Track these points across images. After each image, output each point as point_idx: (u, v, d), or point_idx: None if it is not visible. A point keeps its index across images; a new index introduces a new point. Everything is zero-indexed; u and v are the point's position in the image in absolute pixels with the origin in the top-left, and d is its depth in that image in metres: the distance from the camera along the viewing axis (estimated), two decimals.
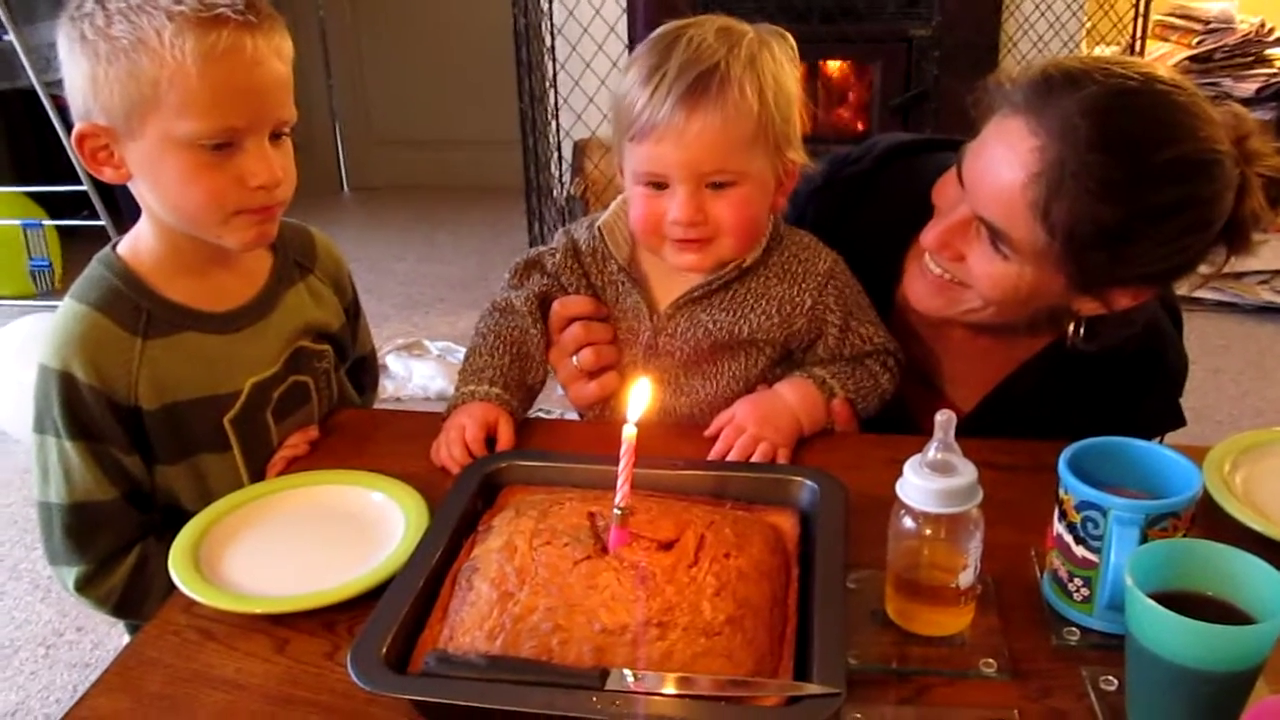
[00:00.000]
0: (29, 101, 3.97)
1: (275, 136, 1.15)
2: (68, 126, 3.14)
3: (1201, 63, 3.80)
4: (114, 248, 1.23)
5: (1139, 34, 3.43)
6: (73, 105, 1.13)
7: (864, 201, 1.45)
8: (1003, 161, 1.16)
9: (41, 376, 1.16)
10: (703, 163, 1.19)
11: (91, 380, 1.14)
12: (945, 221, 1.24)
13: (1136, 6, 3.42)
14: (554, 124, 3.88)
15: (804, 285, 1.30)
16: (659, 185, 1.21)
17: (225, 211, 1.14)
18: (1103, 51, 3.72)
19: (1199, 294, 3.37)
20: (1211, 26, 3.85)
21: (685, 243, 1.24)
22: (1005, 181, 1.15)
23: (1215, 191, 1.12)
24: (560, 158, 3.97)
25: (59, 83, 3.39)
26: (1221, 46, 3.83)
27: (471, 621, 0.89)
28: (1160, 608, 0.78)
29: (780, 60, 1.21)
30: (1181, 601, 0.80)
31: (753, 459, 1.21)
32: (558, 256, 1.35)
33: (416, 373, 3.13)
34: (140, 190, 1.17)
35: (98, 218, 3.36)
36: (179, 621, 1.01)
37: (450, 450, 1.20)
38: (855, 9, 3.51)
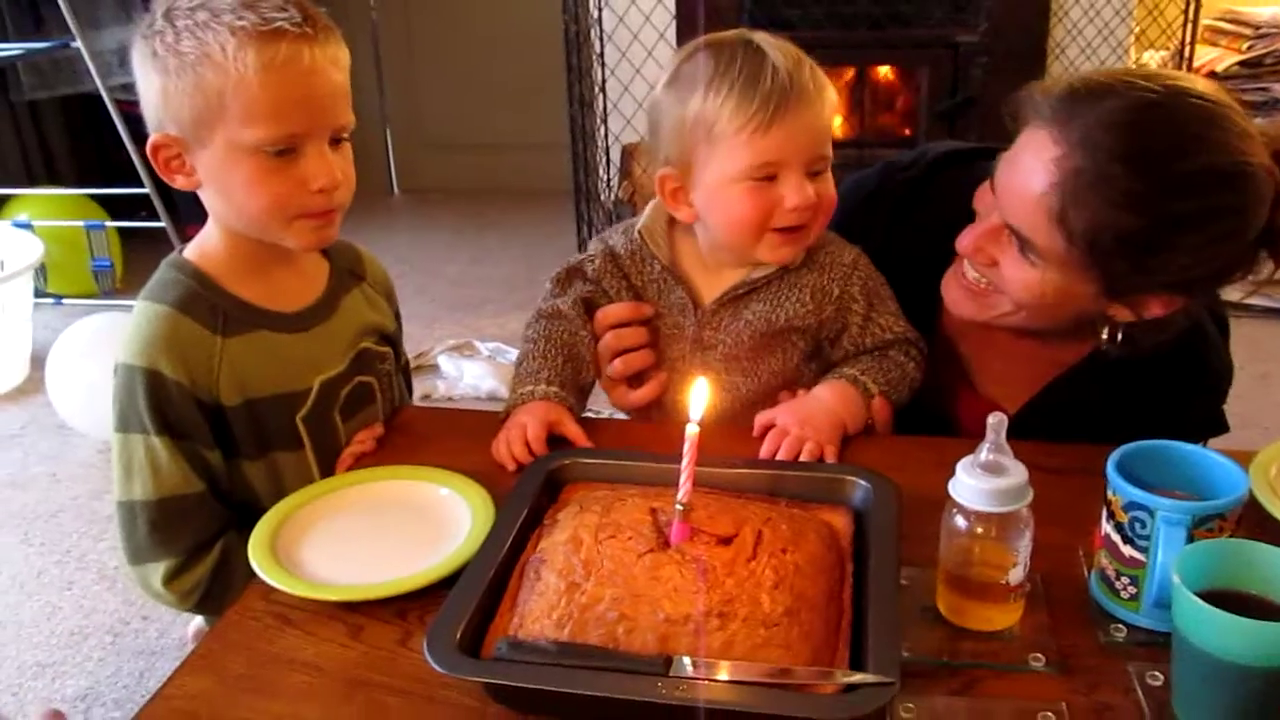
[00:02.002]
0: (90, 106, 4.08)
1: (334, 142, 1.21)
2: (131, 130, 3.25)
3: (1251, 68, 3.78)
4: (180, 253, 1.28)
5: (1188, 39, 3.41)
6: (147, 117, 1.19)
7: (915, 207, 1.49)
8: (1028, 170, 1.20)
9: (126, 375, 1.20)
10: (816, 146, 1.29)
11: (178, 376, 1.19)
12: (979, 228, 1.29)
13: (1185, 12, 3.40)
14: (603, 129, 3.93)
15: (832, 275, 1.37)
16: (768, 178, 1.28)
17: (288, 214, 1.20)
18: (1151, 57, 3.71)
19: (1248, 300, 3.39)
20: (1262, 31, 3.82)
21: (789, 232, 1.31)
22: (1027, 190, 1.19)
23: (1245, 203, 1.14)
24: (608, 162, 4.01)
25: (122, 87, 3.50)
26: (1273, 52, 3.80)
27: (540, 610, 0.94)
28: (1206, 605, 0.81)
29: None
30: (1226, 600, 0.82)
31: (801, 458, 1.24)
32: (597, 262, 1.41)
33: (467, 373, 3.18)
34: (209, 196, 1.23)
35: (156, 219, 3.44)
36: (258, 608, 1.06)
37: (512, 448, 1.25)
38: (902, 15, 3.52)
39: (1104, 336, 1.32)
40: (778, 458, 1.25)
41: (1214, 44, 3.96)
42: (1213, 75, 3.81)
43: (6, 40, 3.78)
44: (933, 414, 1.44)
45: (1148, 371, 1.34)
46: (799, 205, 1.28)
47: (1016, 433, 1.10)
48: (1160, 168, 1.14)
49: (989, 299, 1.32)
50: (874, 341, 1.38)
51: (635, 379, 1.42)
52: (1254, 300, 3.42)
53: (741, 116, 1.25)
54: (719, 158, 1.28)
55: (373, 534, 1.15)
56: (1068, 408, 1.39)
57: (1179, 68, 3.46)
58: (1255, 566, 0.87)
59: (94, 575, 2.42)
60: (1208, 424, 1.42)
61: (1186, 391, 1.39)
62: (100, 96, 3.41)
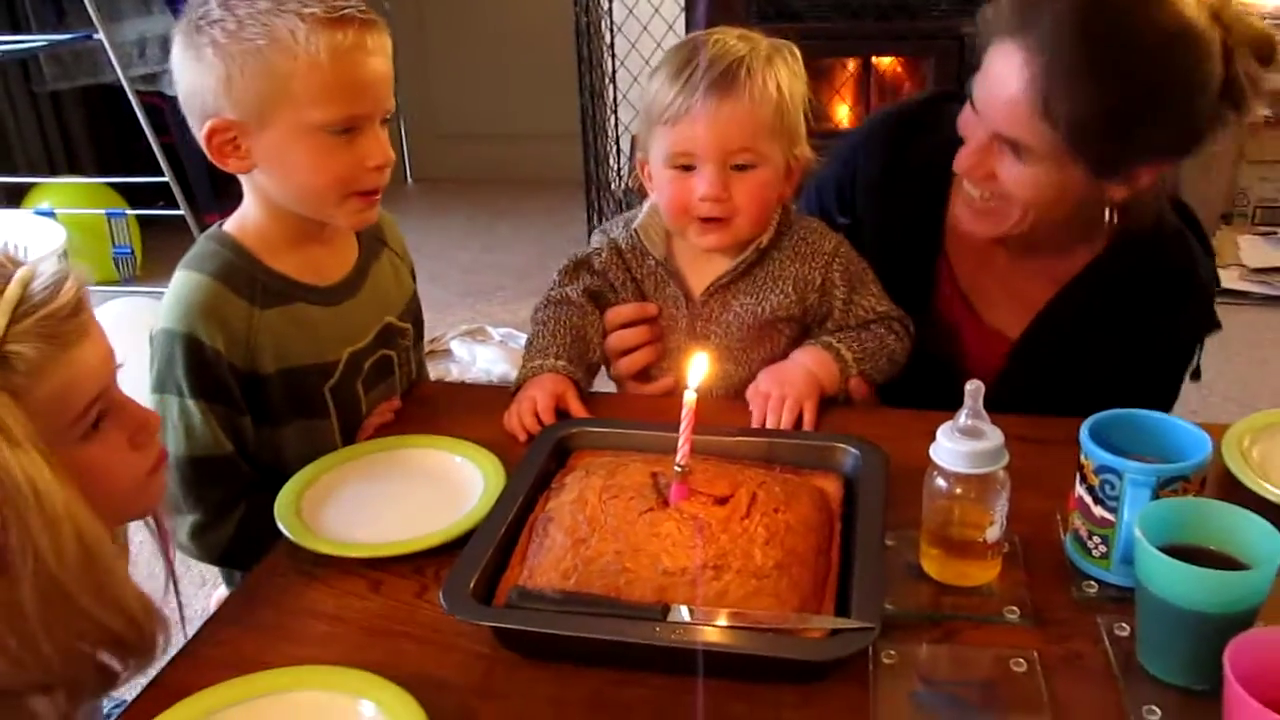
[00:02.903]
0: (110, 96, 4.16)
1: (380, 124, 1.28)
2: (151, 120, 3.32)
3: None
4: (219, 227, 1.34)
5: None
6: (193, 106, 1.25)
7: (912, 139, 1.58)
8: (1002, 79, 1.30)
9: (166, 340, 1.26)
10: (730, 141, 1.34)
11: (215, 344, 1.25)
12: (970, 146, 1.38)
13: None
14: (613, 119, 3.98)
15: (813, 264, 1.43)
16: (687, 167, 1.36)
17: (345, 191, 1.28)
18: None
19: (1247, 288, 3.45)
20: (1270, 23, 3.86)
21: (709, 222, 1.38)
22: (1006, 95, 1.29)
23: (1198, 58, 1.25)
24: (619, 151, 4.07)
25: (142, 78, 3.57)
26: None
27: (548, 563, 1.00)
28: (1166, 557, 0.87)
29: (791, 66, 1.38)
30: (1186, 554, 0.89)
31: (783, 414, 1.32)
32: (603, 255, 1.49)
33: (480, 357, 3.25)
34: (261, 177, 1.29)
35: (173, 208, 3.51)
36: (284, 565, 1.13)
37: (523, 419, 1.32)
38: (909, 6, 3.56)
39: (1106, 220, 1.43)
40: (763, 418, 1.32)
41: None
42: None
43: (30, 32, 3.85)
44: (940, 352, 1.54)
45: (1142, 280, 1.45)
46: (705, 196, 1.35)
47: (1024, 355, 1.35)
48: (1120, 41, 1.25)
49: (997, 213, 1.40)
50: (857, 321, 1.44)
51: (644, 374, 1.50)
52: (1252, 288, 3.48)
53: (659, 105, 1.35)
54: (654, 144, 1.38)
55: (391, 497, 1.22)
56: (1069, 324, 1.48)
57: None
58: (1213, 523, 0.93)
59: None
60: (1202, 323, 1.51)
61: (1180, 294, 1.47)
62: (118, 87, 3.48)
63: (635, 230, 1.47)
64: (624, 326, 1.48)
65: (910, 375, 1.47)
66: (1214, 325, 1.51)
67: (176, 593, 1.18)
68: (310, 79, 1.20)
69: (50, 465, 0.86)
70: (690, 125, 1.33)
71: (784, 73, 1.36)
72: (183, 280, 1.28)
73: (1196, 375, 1.53)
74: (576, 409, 1.34)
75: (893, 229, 1.56)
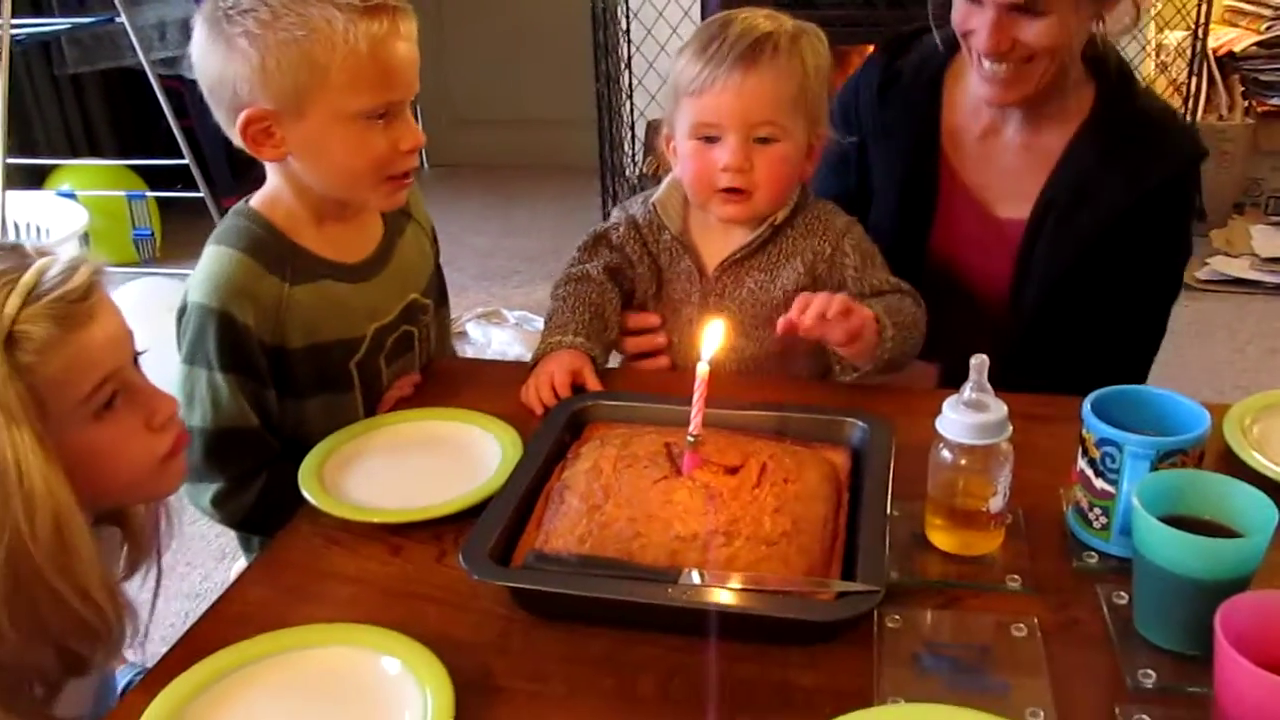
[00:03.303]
0: (129, 79, 4.20)
1: None
2: (171, 104, 3.36)
3: (1269, 48, 3.82)
4: (247, 203, 1.37)
5: (1203, 18, 3.45)
6: (221, 95, 1.27)
7: (901, 55, 1.72)
8: None
9: (198, 314, 1.29)
10: (754, 113, 1.38)
11: (246, 319, 1.28)
12: (984, 29, 1.50)
13: None
14: (628, 104, 4.01)
15: (824, 238, 1.47)
16: (711, 139, 1.40)
17: (381, 176, 1.31)
18: (1166, 36, 3.76)
19: (1259, 277, 3.46)
20: None
21: (730, 193, 1.42)
22: None
23: None
24: (634, 137, 4.10)
25: (161, 61, 3.60)
26: None
27: (564, 528, 1.04)
28: (1161, 524, 0.90)
29: (817, 47, 1.42)
30: (1182, 523, 0.92)
31: (830, 311, 1.27)
32: (621, 230, 1.53)
33: (495, 339, 3.29)
34: (294, 163, 1.31)
35: (192, 190, 3.55)
36: (307, 531, 1.17)
37: (540, 393, 1.35)
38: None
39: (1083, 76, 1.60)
40: (809, 313, 1.27)
41: (1233, 24, 4.00)
42: (1230, 55, 3.87)
43: (52, 15, 3.89)
44: (954, 257, 1.67)
45: (1128, 125, 1.58)
46: (728, 166, 1.39)
47: (1032, 237, 1.56)
48: None
49: (1023, 74, 1.52)
50: (871, 290, 1.46)
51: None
52: (1265, 277, 3.49)
53: (686, 77, 1.39)
54: (679, 116, 1.42)
55: (411, 467, 1.25)
56: (1070, 196, 1.59)
57: (1194, 47, 3.50)
58: (1209, 494, 0.96)
59: None
60: (1191, 150, 1.64)
61: (1162, 132, 1.62)
62: (137, 70, 3.52)
63: (653, 204, 1.51)
64: (638, 332, 1.54)
65: (928, 293, 1.52)
66: (1202, 152, 1.66)
67: (158, 582, 1.21)
68: (349, 68, 1.23)
69: (43, 447, 0.92)
70: (715, 96, 1.37)
71: (809, 51, 1.40)
72: (215, 255, 1.31)
73: (1201, 216, 1.67)
74: (593, 384, 1.37)
75: (894, 135, 1.64)
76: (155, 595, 1.20)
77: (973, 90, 1.63)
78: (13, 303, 0.92)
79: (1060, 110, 1.60)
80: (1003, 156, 1.66)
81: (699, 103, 1.39)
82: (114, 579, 1.01)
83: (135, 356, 1.06)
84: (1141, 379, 1.67)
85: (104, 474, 1.01)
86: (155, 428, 1.05)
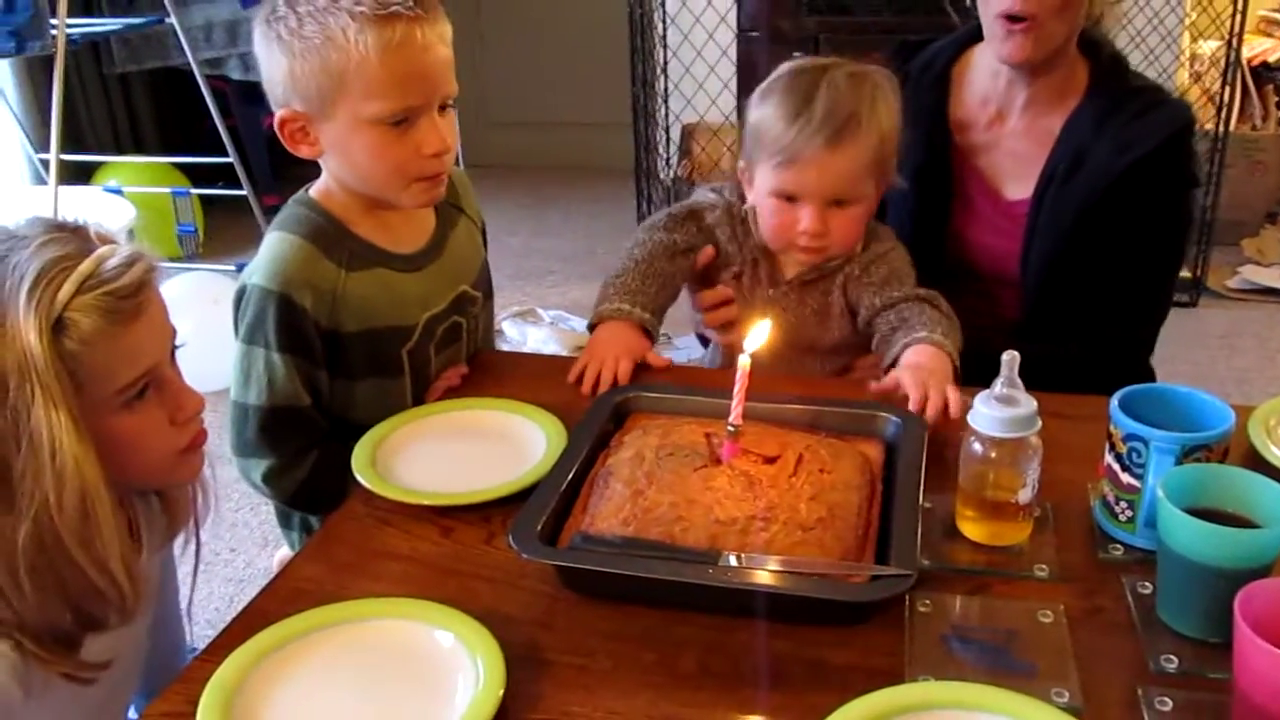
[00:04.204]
0: (175, 78, 4.29)
1: (441, 109, 1.35)
2: (216, 101, 3.43)
3: None
4: (306, 192, 1.43)
5: (1238, 29, 3.46)
6: (271, 95, 1.34)
7: (912, 56, 1.84)
8: None
9: (259, 295, 1.34)
10: (834, 189, 1.46)
11: (304, 303, 1.33)
12: None
13: (1235, 2, 3.44)
14: (663, 108, 4.07)
15: (875, 250, 1.57)
16: (791, 199, 1.48)
17: (406, 178, 1.35)
18: (1200, 46, 3.77)
19: (1273, 284, 3.46)
20: None
21: (805, 249, 1.51)
22: None
23: None
24: (669, 141, 4.15)
25: (208, 61, 3.67)
26: None
27: (608, 511, 1.08)
28: (1185, 515, 0.94)
29: (891, 102, 1.48)
30: (1205, 515, 0.96)
31: (945, 395, 1.29)
32: (717, 213, 1.60)
33: (531, 338, 3.34)
34: (331, 161, 1.38)
35: (235, 188, 3.62)
36: (360, 512, 1.22)
37: (602, 376, 1.41)
38: (957, 1, 3.61)
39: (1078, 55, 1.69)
40: (932, 413, 1.27)
41: (1268, 34, 4.01)
42: (1264, 66, 3.87)
43: (102, 16, 3.98)
44: (970, 240, 1.77)
45: (1123, 96, 1.66)
46: (806, 230, 1.48)
47: (1038, 210, 1.64)
48: None
49: (1041, 33, 1.59)
50: (885, 303, 1.52)
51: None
52: (1273, 282, 3.50)
53: (771, 141, 1.46)
54: (760, 171, 1.49)
55: (460, 453, 1.30)
56: (1070, 164, 1.66)
57: (1228, 57, 3.52)
58: (1231, 487, 1.00)
59: None
60: (1180, 113, 1.71)
61: (1154, 101, 1.69)
62: (182, 70, 3.60)
63: (748, 209, 1.58)
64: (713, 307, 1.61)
65: (948, 280, 1.58)
66: (1191, 120, 1.72)
67: (197, 554, 1.28)
68: (362, 75, 1.27)
69: (78, 430, 0.98)
70: (799, 172, 1.46)
71: (885, 115, 1.47)
72: (277, 240, 1.36)
73: (1196, 183, 1.75)
74: (656, 362, 1.45)
75: (906, 129, 1.66)
76: (195, 569, 1.28)
77: (983, 71, 1.74)
78: (66, 290, 0.97)
79: (1059, 92, 1.69)
80: (1008, 141, 1.75)
81: (783, 174, 1.47)
82: (131, 554, 1.07)
83: (173, 351, 1.11)
84: (1147, 351, 1.75)
85: (122, 459, 1.06)
86: (179, 422, 1.10)
